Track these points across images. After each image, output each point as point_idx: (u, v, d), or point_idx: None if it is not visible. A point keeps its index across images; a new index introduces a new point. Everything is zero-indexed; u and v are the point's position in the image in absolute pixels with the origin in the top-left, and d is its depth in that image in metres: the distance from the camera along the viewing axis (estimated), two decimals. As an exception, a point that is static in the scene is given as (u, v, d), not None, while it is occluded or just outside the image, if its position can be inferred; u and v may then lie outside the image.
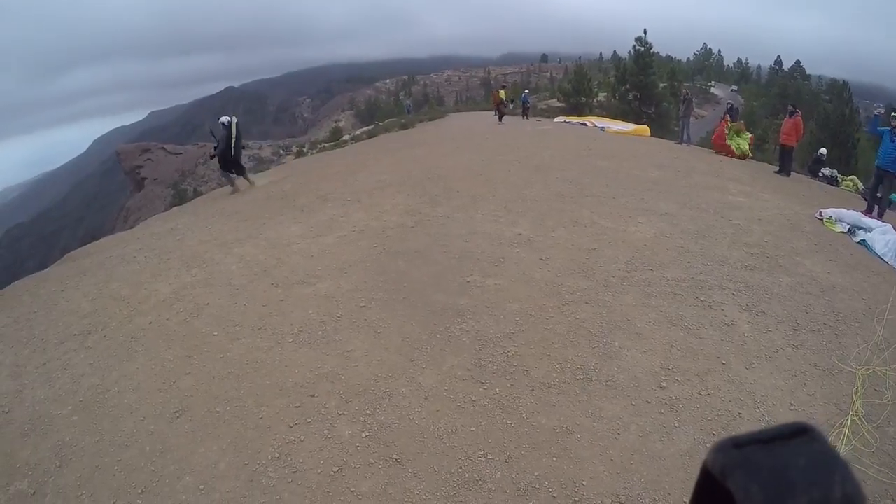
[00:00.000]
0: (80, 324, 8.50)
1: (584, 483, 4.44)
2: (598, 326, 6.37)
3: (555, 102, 49.30)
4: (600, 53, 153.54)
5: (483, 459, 4.74)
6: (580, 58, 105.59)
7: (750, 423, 5.03)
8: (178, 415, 5.99)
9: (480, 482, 4.54)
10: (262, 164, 42.40)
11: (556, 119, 31.24)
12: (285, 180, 16.76)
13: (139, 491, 5.16)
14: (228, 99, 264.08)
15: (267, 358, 6.66)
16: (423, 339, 6.41)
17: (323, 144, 34.04)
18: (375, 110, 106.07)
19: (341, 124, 77.99)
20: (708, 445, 4.56)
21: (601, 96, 49.72)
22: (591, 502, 4.30)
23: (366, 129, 39.90)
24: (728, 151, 17.49)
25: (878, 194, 11.94)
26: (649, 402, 5.26)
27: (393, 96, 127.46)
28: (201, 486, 5.02)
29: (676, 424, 5.02)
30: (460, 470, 4.66)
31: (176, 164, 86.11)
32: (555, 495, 4.36)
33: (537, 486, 4.42)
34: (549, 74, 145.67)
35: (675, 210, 9.81)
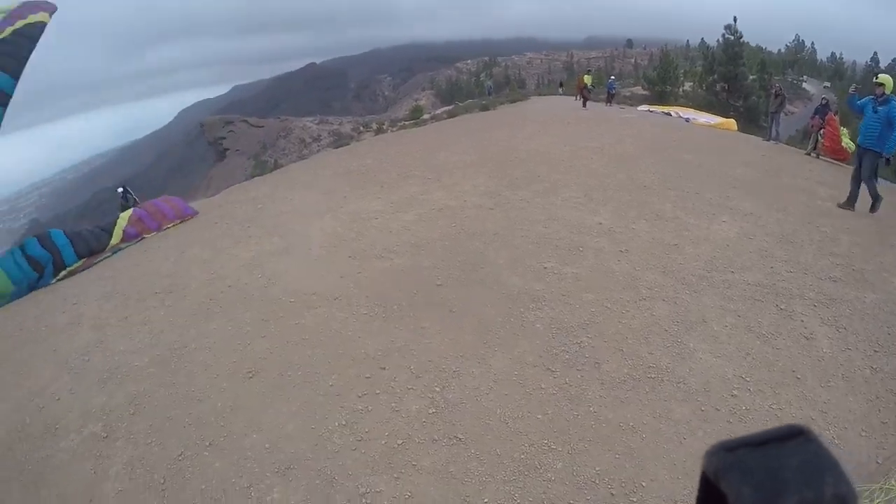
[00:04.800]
0: (161, 283, 8.89)
1: (643, 484, 4.37)
2: (674, 325, 6.23)
3: (639, 90, 47.91)
4: (687, 41, 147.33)
5: (546, 448, 4.72)
6: (666, 44, 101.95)
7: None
8: (250, 375, 6.19)
9: (541, 470, 4.52)
10: (341, 140, 42.77)
11: (641, 107, 30.46)
12: (366, 156, 16.92)
13: (207, 444, 5.38)
14: (310, 75, 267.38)
15: (341, 328, 6.80)
16: (497, 322, 6.41)
17: (403, 123, 34.06)
18: (456, 91, 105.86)
19: (421, 103, 78.05)
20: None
21: (687, 86, 48.16)
22: (649, 504, 4.23)
23: (446, 109, 39.81)
24: (844, 155, 15.70)
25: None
26: (718, 410, 5.12)
27: (474, 77, 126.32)
28: (267, 445, 5.18)
29: (743, 436, 4.87)
30: (522, 456, 4.66)
31: (257, 136, 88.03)
32: (613, 493, 4.30)
33: (597, 481, 4.38)
34: (633, 60, 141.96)
35: (760, 211, 9.46)
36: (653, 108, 29.93)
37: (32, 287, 10.95)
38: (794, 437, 0.56)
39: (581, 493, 4.30)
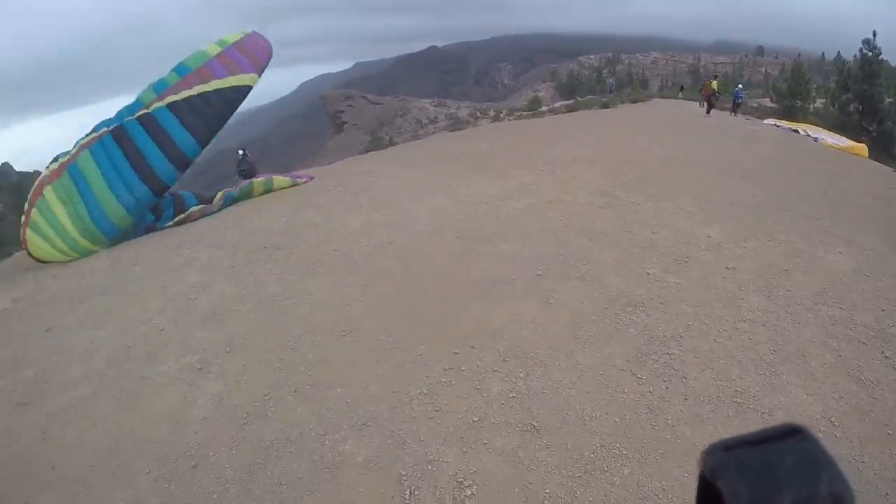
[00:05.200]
0: (272, 240, 9.40)
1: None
2: (770, 353, 5.98)
3: (767, 102, 45.31)
4: (822, 53, 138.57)
5: (616, 452, 4.68)
6: (799, 55, 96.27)
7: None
8: (344, 334, 6.48)
9: (607, 473, 4.50)
10: (457, 124, 42.98)
11: (767, 121, 28.82)
12: (482, 142, 17.01)
13: (292, 389, 5.69)
14: (431, 58, 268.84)
15: (439, 302, 7.01)
16: (592, 320, 6.39)
17: (520, 112, 33.91)
18: (576, 85, 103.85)
19: (540, 94, 76.99)
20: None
21: (819, 102, 45.47)
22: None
23: (565, 102, 39.34)
24: None
25: None
26: (798, 450, 4.90)
27: (595, 73, 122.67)
28: (349, 400, 5.41)
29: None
30: (591, 455, 4.64)
31: (375, 112, 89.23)
32: (675, 511, 4.23)
33: (660, 496, 4.30)
34: (763, 70, 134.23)
35: (881, 248, 8.85)
36: (780, 122, 28.33)
37: (149, 228, 11.63)
38: (791, 435, 0.58)
39: (642, 503, 4.26)
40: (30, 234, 11.43)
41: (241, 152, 16.33)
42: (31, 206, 11.74)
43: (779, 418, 5.15)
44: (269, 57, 13.73)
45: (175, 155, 12.06)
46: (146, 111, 12.27)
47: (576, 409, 5.10)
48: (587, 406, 5.13)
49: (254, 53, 13.52)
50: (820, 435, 4.85)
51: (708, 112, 26.04)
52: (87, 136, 12.66)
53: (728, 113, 28.43)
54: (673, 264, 7.60)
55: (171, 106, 12.18)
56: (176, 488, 4.75)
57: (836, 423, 5.19)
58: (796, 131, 24.66)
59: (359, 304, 7.17)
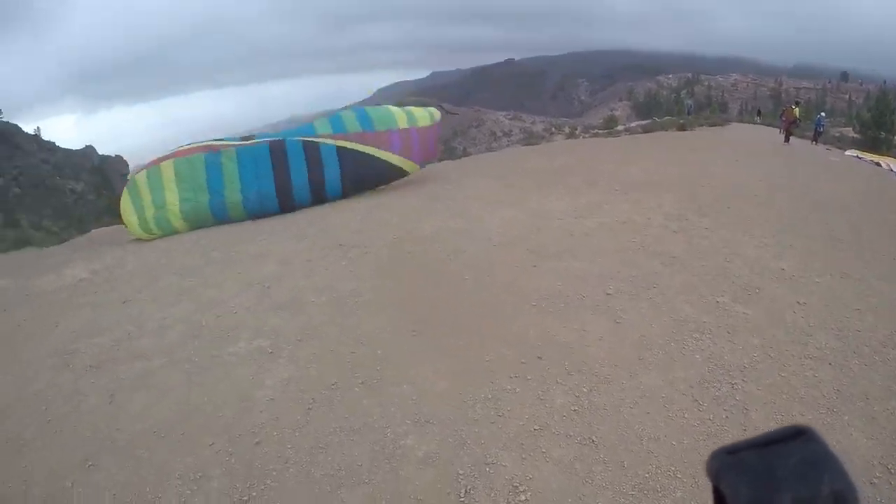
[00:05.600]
0: (348, 237, 9.80)
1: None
2: (834, 393, 5.84)
3: (850, 132, 43.42)
4: None
5: (671, 475, 4.71)
6: (885, 81, 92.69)
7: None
8: (414, 334, 6.70)
9: (660, 494, 4.54)
10: (531, 138, 42.89)
11: (848, 152, 27.53)
12: (556, 158, 17.06)
13: (360, 381, 5.91)
14: (508, 70, 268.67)
15: (509, 311, 7.15)
16: (658, 343, 6.41)
17: (596, 130, 33.69)
18: (654, 105, 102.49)
19: (617, 113, 76.43)
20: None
21: (905, 135, 43.31)
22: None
23: (641, 122, 38.83)
24: None
25: None
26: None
27: (674, 93, 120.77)
28: (414, 397, 5.61)
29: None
30: (646, 475, 4.69)
31: (450, 122, 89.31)
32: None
33: (710, 523, 4.31)
34: (847, 97, 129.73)
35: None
36: (862, 154, 27.23)
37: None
38: (796, 437, 0.60)
39: (693, 531, 4.28)
40: (124, 198, 12.47)
41: None
42: (141, 172, 12.83)
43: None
44: (435, 155, 14.81)
45: (317, 189, 13.06)
46: (315, 140, 13.19)
47: (635, 428, 5.16)
48: (647, 426, 5.18)
49: (427, 146, 14.56)
50: (875, 481, 4.84)
51: (787, 140, 25.09)
52: (231, 139, 13.81)
53: (809, 141, 27.46)
54: (743, 294, 7.52)
55: (340, 150, 13.16)
56: (237, 462, 5.01)
57: (892, 471, 5.10)
58: (878, 164, 23.63)
59: (430, 307, 7.36)
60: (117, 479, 4.93)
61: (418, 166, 14.14)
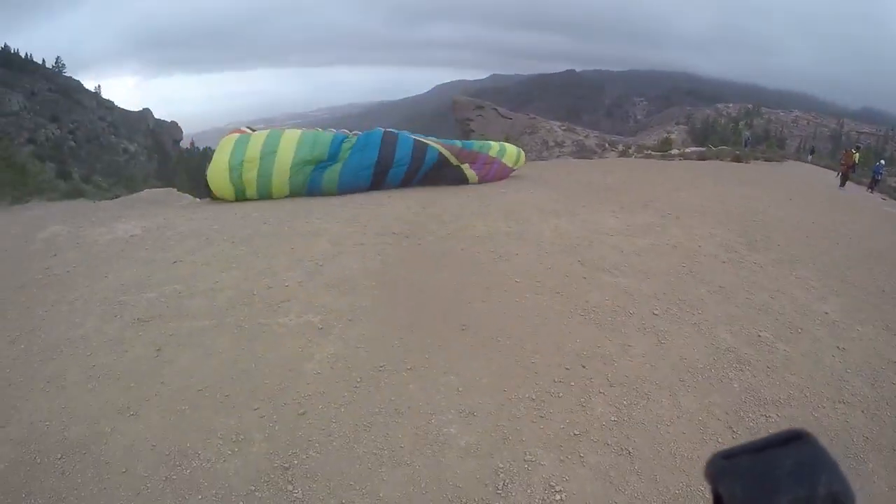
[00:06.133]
0: (400, 227, 10.05)
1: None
2: (862, 440, 5.93)
3: None
4: None
5: (699, 495, 4.85)
6: None
7: None
8: (463, 329, 6.89)
9: (688, 507, 4.68)
10: (583, 152, 42.61)
11: None
12: (609, 174, 17.12)
13: (407, 367, 6.12)
14: (567, 81, 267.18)
15: (556, 318, 7.30)
16: (699, 368, 6.53)
17: (649, 151, 33.42)
18: (710, 132, 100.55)
19: (672, 136, 75.30)
20: None
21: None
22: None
23: (696, 149, 38.34)
24: None
25: None
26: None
27: (732, 122, 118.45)
28: (460, 388, 5.80)
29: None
30: (677, 491, 4.85)
31: (504, 126, 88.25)
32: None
33: (729, 545, 4.45)
34: None
35: None
36: None
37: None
38: (793, 440, 0.62)
39: (716, 543, 4.42)
40: (224, 147, 13.20)
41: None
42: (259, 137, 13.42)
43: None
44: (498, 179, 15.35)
45: (413, 172, 13.87)
46: (424, 140, 14.34)
47: (670, 444, 5.32)
48: (682, 444, 5.34)
49: (500, 175, 15.36)
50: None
51: (843, 184, 24.78)
52: (354, 132, 14.67)
53: (864, 188, 26.83)
54: (785, 332, 7.59)
55: (440, 152, 14.14)
56: (280, 429, 5.16)
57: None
58: (933, 216, 23.10)
59: (480, 304, 7.52)
60: (157, 430, 5.10)
61: (477, 180, 14.52)
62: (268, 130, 13.90)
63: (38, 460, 4.81)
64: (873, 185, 27.08)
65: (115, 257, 8.77)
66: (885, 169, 30.57)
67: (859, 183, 27.84)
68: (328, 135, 13.85)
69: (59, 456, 4.81)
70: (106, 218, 10.81)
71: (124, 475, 4.63)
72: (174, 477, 4.63)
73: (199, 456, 4.84)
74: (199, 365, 6.02)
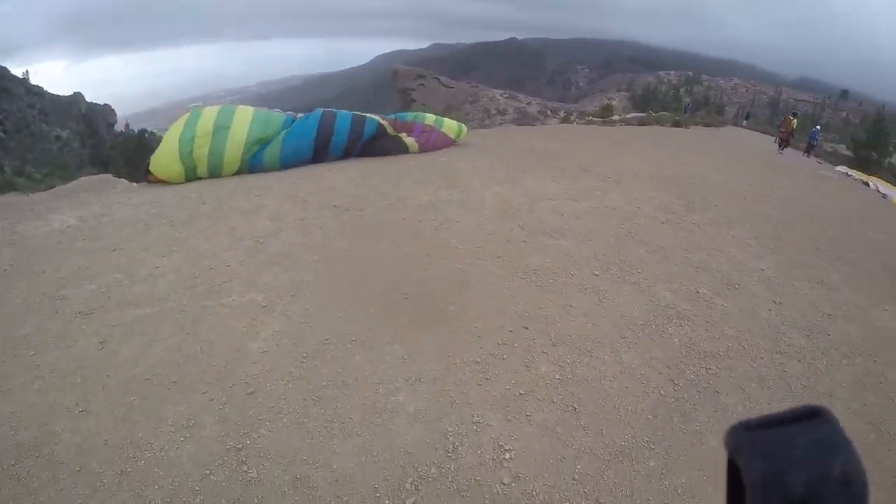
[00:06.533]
0: (341, 200, 9.97)
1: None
2: (801, 387, 6.14)
3: (843, 149, 43.73)
4: None
5: (644, 446, 5.01)
6: (884, 106, 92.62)
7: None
8: (405, 298, 6.95)
9: (633, 463, 4.83)
10: (525, 119, 42.60)
11: (838, 167, 27.81)
12: (550, 140, 17.22)
13: (352, 339, 6.17)
14: (509, 49, 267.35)
15: (498, 283, 7.39)
16: (639, 324, 6.69)
17: (591, 118, 33.57)
18: (651, 99, 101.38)
19: (614, 103, 75.57)
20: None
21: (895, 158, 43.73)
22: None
23: (637, 114, 38.61)
24: None
25: None
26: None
27: (673, 90, 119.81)
28: (405, 356, 5.86)
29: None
30: (622, 444, 4.98)
31: (446, 95, 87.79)
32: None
33: (679, 492, 4.60)
34: (844, 115, 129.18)
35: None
36: (851, 172, 27.50)
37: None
38: (811, 417, 0.61)
39: (662, 497, 4.56)
40: (176, 126, 12.94)
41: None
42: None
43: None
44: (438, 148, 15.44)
45: (354, 142, 13.91)
46: (362, 115, 14.52)
47: (613, 399, 5.45)
48: (625, 399, 5.47)
49: (439, 144, 15.41)
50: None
51: (782, 149, 25.57)
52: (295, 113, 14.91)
53: (801, 153, 27.81)
54: (723, 288, 7.82)
55: (378, 122, 14.29)
56: (230, 411, 5.12)
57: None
58: (867, 184, 23.94)
59: (422, 272, 7.56)
60: (108, 425, 4.99)
61: (417, 148, 14.48)
62: (219, 106, 13.63)
63: (-8, 468, 4.67)
64: (809, 149, 28.09)
65: (52, 250, 8.43)
66: (820, 134, 31.50)
67: (796, 148, 28.60)
68: (280, 115, 13.86)
69: (12, 462, 4.63)
70: (41, 210, 10.42)
71: (79, 473, 4.51)
72: (129, 470, 4.53)
73: (152, 446, 4.76)
74: (144, 353, 5.90)
